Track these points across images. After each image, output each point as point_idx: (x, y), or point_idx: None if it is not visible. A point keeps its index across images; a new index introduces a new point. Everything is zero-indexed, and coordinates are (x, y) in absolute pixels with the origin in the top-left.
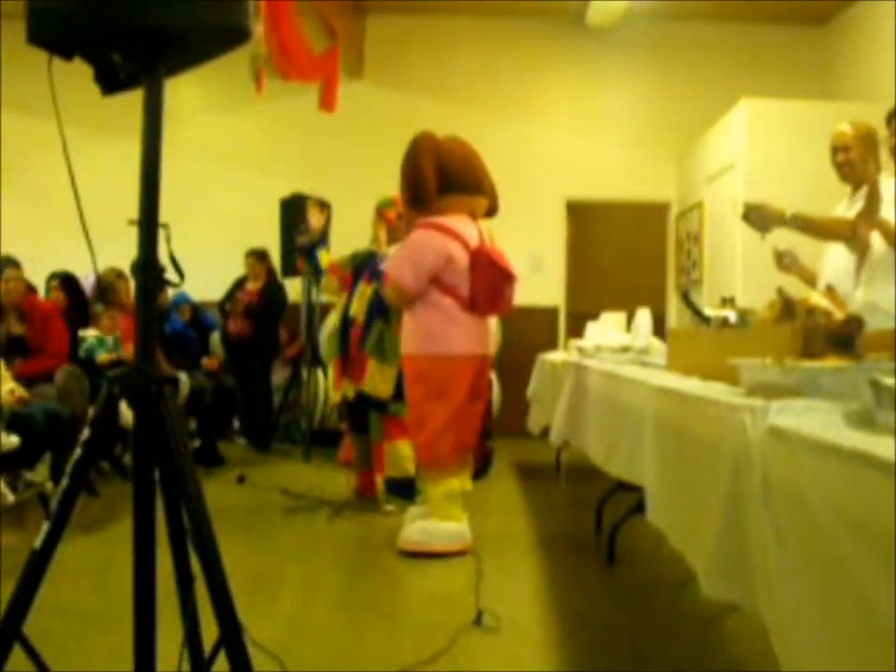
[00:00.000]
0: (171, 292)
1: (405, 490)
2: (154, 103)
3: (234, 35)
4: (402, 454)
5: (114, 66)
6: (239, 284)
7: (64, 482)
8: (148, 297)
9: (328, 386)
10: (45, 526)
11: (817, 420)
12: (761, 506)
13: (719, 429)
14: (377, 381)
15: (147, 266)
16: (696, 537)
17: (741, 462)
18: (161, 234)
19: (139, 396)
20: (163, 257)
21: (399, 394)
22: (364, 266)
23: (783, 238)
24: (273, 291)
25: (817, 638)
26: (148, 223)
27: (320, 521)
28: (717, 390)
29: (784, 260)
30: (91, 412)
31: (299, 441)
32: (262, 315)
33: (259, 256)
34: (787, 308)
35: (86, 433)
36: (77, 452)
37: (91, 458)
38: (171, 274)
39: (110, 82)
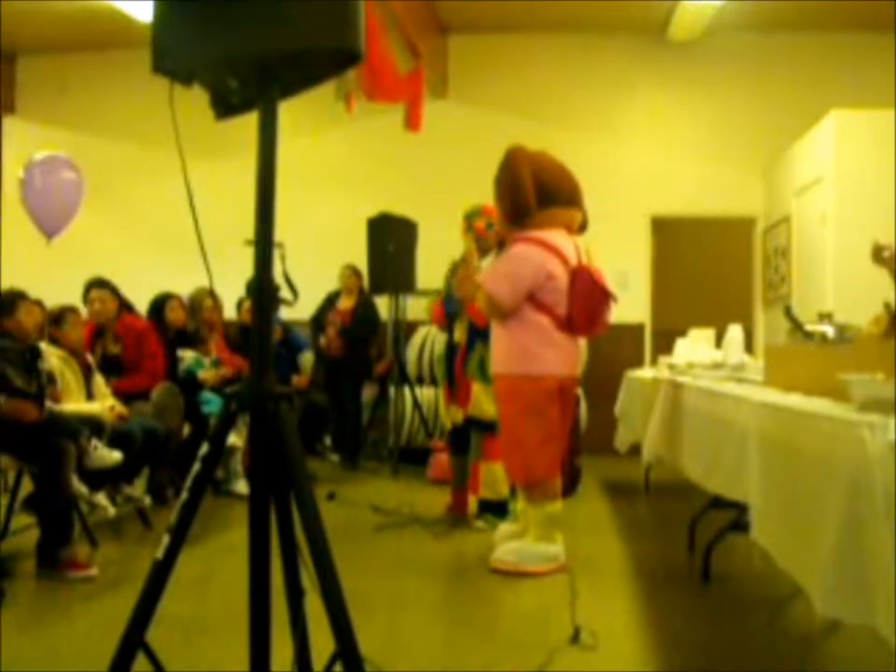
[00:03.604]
0: None
1: (497, 510)
2: (269, 125)
3: (347, 58)
4: (498, 476)
5: (228, 91)
6: (332, 299)
7: (184, 495)
8: (264, 314)
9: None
10: (165, 539)
11: None
12: (882, 522)
13: (834, 446)
14: (482, 402)
15: (263, 284)
16: (808, 555)
17: (860, 478)
18: (277, 253)
19: (256, 412)
20: (278, 275)
21: None
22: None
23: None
24: (366, 310)
25: None
26: (264, 242)
27: (411, 538)
28: (825, 406)
29: (884, 254)
30: (186, 428)
31: (386, 458)
32: (357, 334)
33: (355, 270)
34: (894, 323)
35: (205, 448)
36: (197, 466)
37: (209, 472)
38: (285, 292)
39: (224, 107)
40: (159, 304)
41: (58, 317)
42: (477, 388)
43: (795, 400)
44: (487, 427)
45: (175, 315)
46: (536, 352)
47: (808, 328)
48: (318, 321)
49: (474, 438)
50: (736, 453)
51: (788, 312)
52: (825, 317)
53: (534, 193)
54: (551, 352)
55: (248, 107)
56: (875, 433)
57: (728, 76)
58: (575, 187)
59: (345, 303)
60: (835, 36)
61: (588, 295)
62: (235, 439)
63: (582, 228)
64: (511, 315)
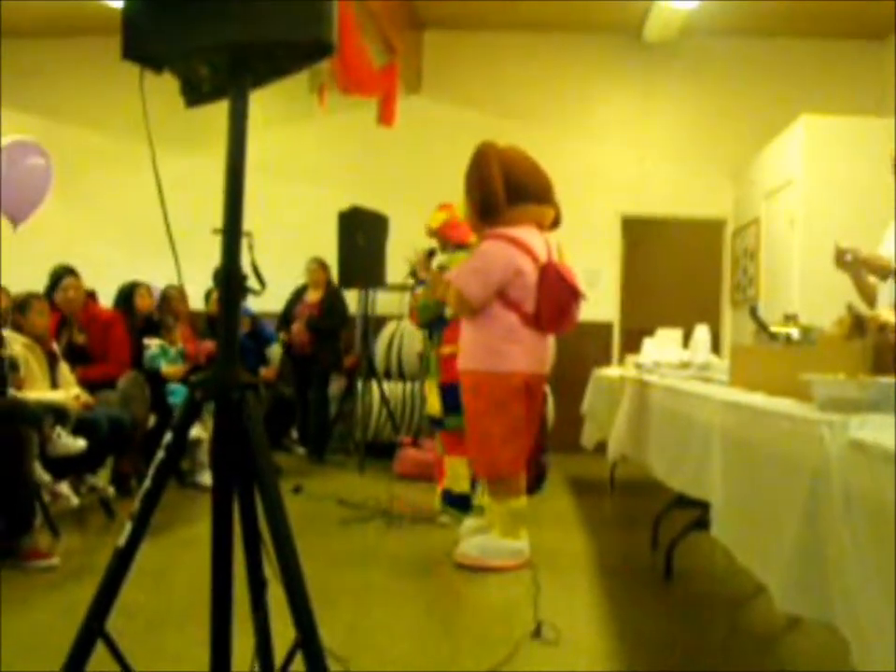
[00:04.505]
0: None
1: (461, 504)
2: (239, 114)
3: (319, 49)
4: (458, 471)
5: (199, 79)
6: (299, 293)
7: (147, 483)
8: (231, 304)
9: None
10: (128, 526)
11: None
12: (840, 520)
13: (795, 444)
14: (430, 399)
15: (230, 274)
16: (768, 551)
17: (819, 476)
18: (245, 243)
19: (221, 401)
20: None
21: (453, 407)
22: None
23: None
24: (333, 303)
25: None
26: (232, 232)
27: (376, 531)
28: (788, 406)
29: (845, 257)
30: (152, 418)
31: (353, 452)
32: (324, 328)
33: (321, 263)
34: (856, 324)
35: (168, 437)
36: (160, 455)
37: (173, 461)
38: (252, 282)
39: (195, 95)
40: (127, 292)
41: (23, 304)
42: (427, 385)
43: (758, 400)
44: (436, 424)
45: (143, 303)
46: (502, 348)
47: (773, 329)
48: (286, 316)
49: (437, 435)
50: (700, 451)
51: (753, 313)
52: (790, 319)
53: (503, 190)
54: (517, 349)
55: (219, 95)
56: (835, 432)
57: (701, 79)
58: (546, 183)
59: (313, 296)
60: (807, 43)
61: (556, 292)
62: (200, 431)
63: (555, 224)
64: (480, 312)
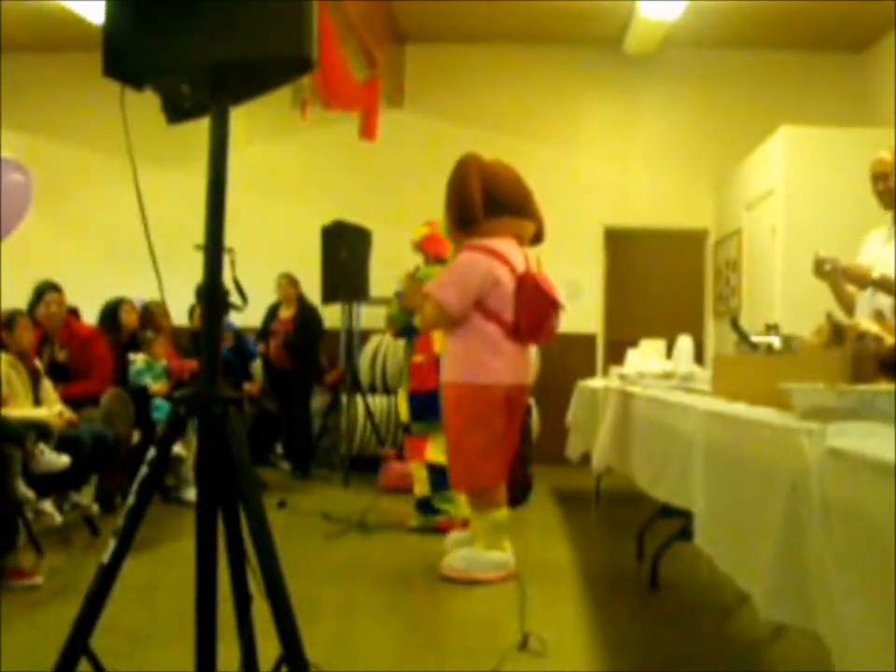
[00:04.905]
0: None
1: (424, 508)
2: (220, 131)
3: (299, 65)
4: (417, 474)
5: (180, 96)
6: (273, 310)
7: (131, 499)
8: (213, 320)
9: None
10: (112, 543)
11: (875, 442)
12: (819, 527)
13: (774, 452)
14: (401, 406)
15: (212, 291)
16: (750, 559)
17: (799, 484)
18: (226, 259)
19: (204, 416)
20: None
21: (418, 414)
22: None
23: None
24: (306, 318)
25: (878, 657)
26: (214, 247)
27: (360, 545)
28: (768, 414)
29: (824, 267)
30: (136, 435)
31: (337, 466)
32: (300, 343)
33: (291, 278)
34: (836, 333)
35: (152, 452)
36: (144, 470)
37: (156, 477)
38: (235, 298)
39: (176, 112)
40: (112, 308)
41: (9, 321)
42: (400, 393)
43: (740, 409)
44: (405, 430)
45: (128, 319)
46: (483, 361)
47: (753, 338)
48: (264, 332)
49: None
50: (682, 461)
51: (734, 323)
52: (771, 328)
53: (482, 201)
54: (498, 360)
55: (201, 112)
56: (814, 440)
57: (682, 90)
58: (526, 196)
59: (285, 313)
60: (786, 55)
61: (534, 302)
62: (182, 449)
63: (538, 239)
64: (460, 323)
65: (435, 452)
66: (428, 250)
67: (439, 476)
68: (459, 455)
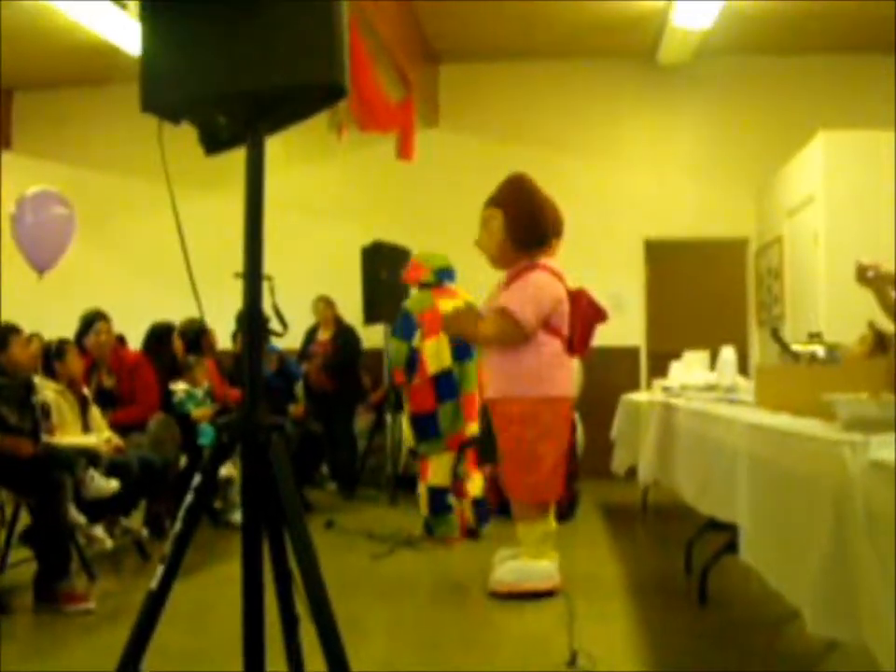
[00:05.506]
0: None
1: (427, 528)
2: (256, 160)
3: (332, 93)
4: (423, 495)
5: (217, 128)
6: (311, 333)
7: (177, 526)
8: (254, 346)
9: None
10: (160, 569)
11: None
12: (865, 540)
13: (818, 465)
14: (406, 431)
15: (253, 318)
16: (797, 574)
17: (842, 497)
18: (266, 286)
19: (248, 443)
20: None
21: (423, 435)
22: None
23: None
24: (345, 339)
25: None
26: (253, 276)
27: (407, 563)
28: (812, 426)
29: (867, 274)
30: (183, 459)
31: (384, 485)
32: (339, 365)
33: (327, 301)
34: (879, 342)
35: (197, 479)
36: (189, 497)
37: (202, 503)
38: (275, 324)
39: (213, 143)
40: (159, 333)
41: (59, 350)
42: (403, 419)
43: (783, 421)
44: (413, 454)
45: (178, 344)
46: (549, 374)
47: (795, 348)
48: (304, 355)
49: None
50: (726, 474)
51: (774, 333)
52: (814, 337)
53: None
54: (562, 373)
55: (237, 142)
56: (857, 452)
57: (718, 98)
58: (561, 217)
59: (324, 335)
60: (821, 58)
61: (589, 316)
62: (231, 469)
63: None
64: (527, 339)
65: (434, 474)
66: (415, 279)
67: (437, 499)
68: (530, 469)
